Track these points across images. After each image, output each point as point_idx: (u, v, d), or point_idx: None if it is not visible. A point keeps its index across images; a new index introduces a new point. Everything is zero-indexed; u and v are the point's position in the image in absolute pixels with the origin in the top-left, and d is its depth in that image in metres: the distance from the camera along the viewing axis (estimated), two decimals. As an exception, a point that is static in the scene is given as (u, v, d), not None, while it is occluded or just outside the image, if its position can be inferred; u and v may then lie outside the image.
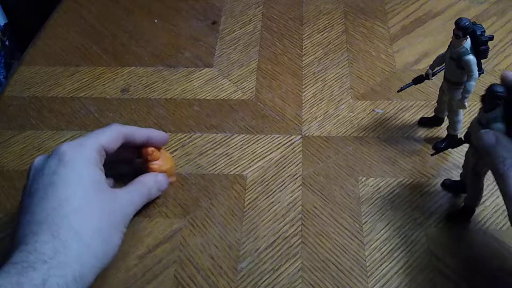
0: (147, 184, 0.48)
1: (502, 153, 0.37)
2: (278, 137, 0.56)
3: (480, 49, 0.46)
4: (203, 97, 0.62)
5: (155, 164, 0.49)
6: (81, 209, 0.40)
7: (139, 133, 0.48)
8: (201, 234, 0.48)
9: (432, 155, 0.52)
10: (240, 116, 0.59)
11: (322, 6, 0.74)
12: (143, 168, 0.50)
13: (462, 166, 0.49)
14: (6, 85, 0.66)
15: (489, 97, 0.39)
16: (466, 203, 0.47)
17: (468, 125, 0.44)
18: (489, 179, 0.50)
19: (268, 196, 0.51)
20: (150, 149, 0.49)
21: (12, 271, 0.35)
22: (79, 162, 0.42)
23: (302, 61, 0.65)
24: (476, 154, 0.43)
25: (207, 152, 0.55)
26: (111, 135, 0.46)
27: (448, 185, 0.50)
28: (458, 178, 0.49)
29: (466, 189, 0.48)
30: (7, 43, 1.06)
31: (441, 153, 0.53)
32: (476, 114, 0.43)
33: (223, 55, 0.67)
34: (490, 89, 0.39)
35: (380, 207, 0.49)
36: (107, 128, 0.46)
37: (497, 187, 0.49)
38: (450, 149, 0.53)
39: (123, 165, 0.51)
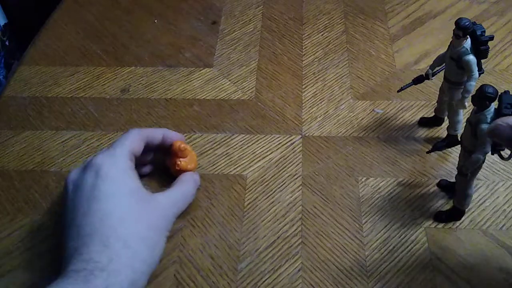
0: (190, 185, 0.49)
1: None
2: (278, 137, 0.56)
3: (480, 49, 0.46)
4: (203, 97, 0.62)
5: (182, 161, 0.50)
6: (126, 219, 0.42)
7: (156, 133, 0.50)
8: (201, 234, 0.48)
9: (427, 152, 0.51)
10: (240, 116, 0.59)
11: (322, 6, 0.74)
12: (169, 164, 0.50)
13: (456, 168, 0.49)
14: (6, 85, 0.66)
15: (479, 98, 0.39)
16: (455, 205, 0.47)
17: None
18: (488, 179, 0.50)
19: (268, 196, 0.51)
20: (182, 145, 0.49)
21: (78, 279, 0.37)
22: (116, 174, 0.44)
23: (302, 61, 0.65)
24: (464, 155, 0.43)
25: (207, 152, 0.55)
26: (135, 140, 0.47)
27: (444, 185, 0.50)
28: (454, 179, 0.50)
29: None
30: (7, 43, 1.06)
31: (441, 153, 0.53)
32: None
33: (223, 55, 0.67)
34: (480, 90, 0.39)
35: (380, 207, 0.49)
36: (129, 134, 0.48)
37: (497, 186, 0.50)
38: (450, 149, 0.53)
39: (144, 166, 0.52)
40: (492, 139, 0.39)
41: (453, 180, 0.49)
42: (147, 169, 0.52)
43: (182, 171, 0.50)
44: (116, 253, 0.39)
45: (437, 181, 0.51)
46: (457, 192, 0.46)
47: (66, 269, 0.38)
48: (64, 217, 0.44)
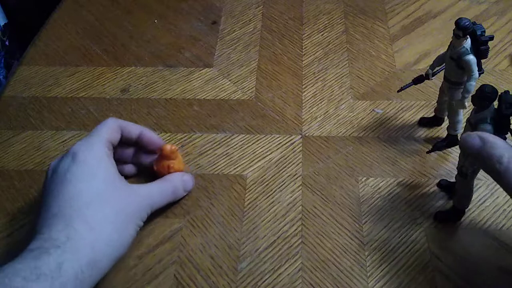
0: (173, 183, 0.49)
1: (494, 152, 0.35)
2: (278, 137, 0.56)
3: (480, 49, 0.46)
4: (203, 97, 0.62)
5: (176, 163, 0.50)
6: (93, 202, 0.42)
7: (133, 127, 0.50)
8: (201, 234, 0.48)
9: (427, 152, 0.51)
10: (240, 116, 0.59)
11: (322, 6, 0.74)
12: (158, 168, 0.50)
13: (456, 167, 0.49)
14: (6, 85, 0.66)
15: (479, 98, 0.39)
16: (454, 205, 0.47)
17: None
18: (488, 179, 0.50)
19: (268, 196, 0.51)
20: (173, 147, 0.49)
21: (28, 257, 0.37)
22: (90, 159, 0.44)
23: (302, 61, 0.65)
24: (463, 155, 0.43)
25: (207, 152, 0.55)
26: (112, 127, 0.48)
27: (444, 185, 0.50)
28: (454, 179, 0.50)
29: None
30: (7, 43, 1.06)
31: (441, 153, 0.53)
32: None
33: (223, 55, 0.67)
34: (480, 90, 0.39)
35: (380, 207, 0.49)
36: (106, 122, 0.48)
37: (497, 186, 0.50)
38: (450, 149, 0.53)
39: (126, 165, 0.52)
40: (461, 148, 0.39)
41: (453, 180, 0.49)
42: (130, 169, 0.52)
43: (168, 171, 0.50)
44: (76, 232, 0.39)
45: (437, 181, 0.51)
46: (457, 192, 0.46)
47: (23, 250, 0.38)
48: (41, 201, 0.44)
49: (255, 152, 0.55)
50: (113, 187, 0.44)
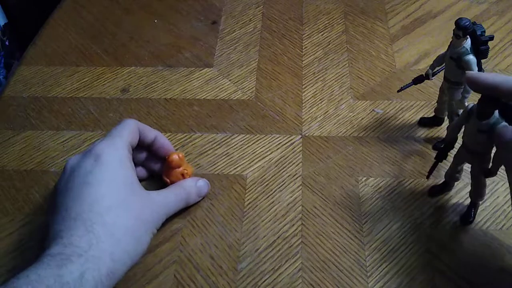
0: (187, 189, 0.49)
1: None
2: (278, 137, 0.56)
3: (480, 49, 0.46)
4: (203, 97, 0.62)
5: (189, 170, 0.50)
6: (114, 207, 0.41)
7: (150, 131, 0.50)
8: (201, 234, 0.48)
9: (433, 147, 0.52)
10: (240, 116, 0.59)
11: (322, 6, 0.74)
12: (168, 177, 0.50)
13: (450, 166, 0.48)
14: (6, 85, 0.66)
15: (487, 104, 0.39)
16: (472, 200, 0.47)
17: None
18: (488, 179, 0.50)
19: (268, 196, 0.51)
20: (179, 155, 0.49)
21: (51, 263, 0.37)
22: (114, 163, 0.44)
23: (302, 61, 0.65)
24: (471, 158, 0.44)
25: (207, 152, 0.55)
26: (132, 130, 0.48)
27: (434, 188, 0.50)
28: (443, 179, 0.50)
29: (450, 188, 0.49)
30: (7, 43, 1.06)
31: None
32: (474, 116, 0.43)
33: (223, 55, 0.67)
34: (482, 99, 0.39)
35: (380, 207, 0.49)
36: (124, 124, 0.48)
37: (497, 186, 0.50)
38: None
39: (137, 167, 0.51)
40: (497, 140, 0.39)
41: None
42: (141, 172, 0.52)
43: (178, 179, 0.50)
44: (98, 239, 0.39)
45: (438, 180, 0.51)
46: (474, 189, 0.46)
47: (43, 254, 0.38)
48: (54, 200, 0.43)
49: (255, 152, 0.55)
50: (132, 192, 0.43)
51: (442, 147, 0.47)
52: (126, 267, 0.40)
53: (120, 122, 0.48)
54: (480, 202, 0.48)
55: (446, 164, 0.51)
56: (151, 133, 0.50)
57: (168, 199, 0.47)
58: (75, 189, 0.42)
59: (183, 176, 0.49)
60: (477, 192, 0.46)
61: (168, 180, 0.49)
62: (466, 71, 0.41)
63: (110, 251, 0.39)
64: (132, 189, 0.44)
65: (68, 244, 0.38)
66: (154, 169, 0.51)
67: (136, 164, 0.51)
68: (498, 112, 0.39)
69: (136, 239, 0.42)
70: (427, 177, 0.49)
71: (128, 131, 0.47)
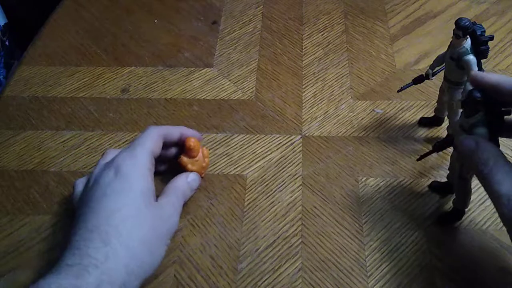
0: (181, 188, 0.49)
1: (483, 156, 0.37)
2: (278, 137, 0.56)
3: (480, 49, 0.46)
4: (203, 97, 0.62)
5: (185, 159, 0.50)
6: (131, 219, 0.42)
7: (173, 131, 0.50)
8: (201, 234, 0.48)
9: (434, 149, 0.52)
10: (240, 116, 0.59)
11: (322, 6, 0.74)
12: (180, 160, 0.50)
13: (448, 168, 0.49)
14: (6, 85, 0.66)
15: (469, 103, 0.39)
16: (455, 206, 0.47)
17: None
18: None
19: (268, 196, 0.51)
20: (193, 141, 0.49)
21: (70, 274, 0.37)
22: (133, 175, 0.44)
23: (302, 61, 0.65)
24: (457, 159, 0.43)
25: (207, 152, 0.55)
26: (154, 139, 0.47)
27: (435, 187, 0.50)
28: (445, 179, 0.50)
29: (453, 190, 0.48)
30: (7, 43, 1.06)
31: (441, 153, 0.53)
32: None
33: (223, 55, 0.67)
34: (469, 95, 0.38)
35: (380, 207, 0.49)
36: (147, 133, 0.48)
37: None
38: (450, 149, 0.53)
39: (161, 164, 0.52)
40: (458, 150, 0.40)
41: (444, 179, 0.49)
42: (163, 167, 0.52)
43: (184, 168, 0.50)
44: (114, 252, 0.39)
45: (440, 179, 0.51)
46: (457, 193, 0.46)
47: (60, 263, 0.38)
48: (78, 209, 0.44)
49: (255, 152, 0.55)
50: (148, 204, 0.43)
51: (442, 139, 0.47)
52: (140, 279, 0.41)
53: (144, 130, 0.48)
54: (466, 210, 0.47)
55: (446, 165, 0.51)
56: (175, 131, 0.50)
57: (175, 206, 0.47)
58: (94, 201, 0.42)
59: (185, 166, 0.49)
60: (459, 199, 0.46)
61: (178, 161, 0.50)
62: (470, 71, 0.41)
63: (125, 263, 0.39)
64: (148, 201, 0.44)
65: (86, 255, 0.38)
66: (171, 155, 0.52)
67: (163, 161, 0.51)
68: (485, 112, 0.39)
69: (151, 252, 0.42)
70: (418, 159, 0.49)
71: (150, 140, 0.47)
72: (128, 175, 0.44)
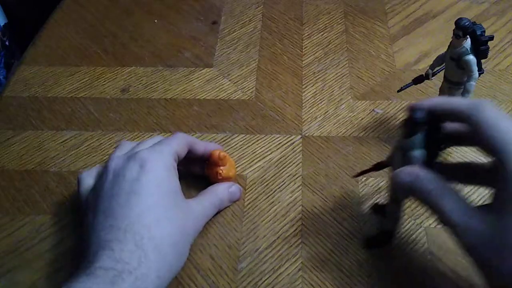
0: (220, 195, 0.48)
1: (424, 187, 0.36)
2: (278, 137, 0.56)
3: (480, 49, 0.46)
4: (203, 97, 0.62)
5: (224, 170, 0.49)
6: (161, 220, 0.41)
7: (199, 143, 0.49)
8: (201, 233, 0.48)
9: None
10: (240, 116, 0.59)
11: (322, 6, 0.74)
12: (208, 174, 0.50)
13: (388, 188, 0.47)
14: (6, 85, 0.66)
15: (409, 124, 0.37)
16: (384, 228, 0.46)
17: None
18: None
19: (268, 196, 0.51)
20: (221, 153, 0.49)
21: (105, 279, 0.36)
22: (160, 171, 0.43)
23: (302, 61, 0.65)
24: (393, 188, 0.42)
25: (207, 152, 0.55)
26: (181, 142, 0.47)
27: (377, 209, 0.48)
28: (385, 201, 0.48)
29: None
30: (7, 43, 1.07)
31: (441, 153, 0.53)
32: None
33: (223, 55, 0.67)
34: (410, 116, 0.37)
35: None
36: (175, 137, 0.47)
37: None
38: (450, 149, 0.53)
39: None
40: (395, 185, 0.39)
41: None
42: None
43: (224, 179, 0.49)
44: (146, 256, 0.38)
45: None
46: (388, 214, 0.45)
47: (94, 264, 0.37)
48: (96, 202, 0.42)
49: (255, 152, 0.55)
50: (176, 203, 0.43)
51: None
52: (168, 282, 0.40)
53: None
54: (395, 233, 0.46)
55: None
56: (200, 145, 0.49)
57: (205, 208, 0.46)
58: (123, 196, 0.41)
59: (217, 174, 0.49)
60: (389, 220, 0.45)
61: (206, 172, 0.50)
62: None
63: (156, 268, 0.39)
64: (176, 199, 0.43)
65: (119, 259, 0.38)
66: (197, 170, 0.51)
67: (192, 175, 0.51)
68: (424, 134, 0.38)
69: (179, 253, 0.42)
70: (354, 176, 0.49)
71: (176, 141, 0.46)
72: (154, 170, 0.43)
